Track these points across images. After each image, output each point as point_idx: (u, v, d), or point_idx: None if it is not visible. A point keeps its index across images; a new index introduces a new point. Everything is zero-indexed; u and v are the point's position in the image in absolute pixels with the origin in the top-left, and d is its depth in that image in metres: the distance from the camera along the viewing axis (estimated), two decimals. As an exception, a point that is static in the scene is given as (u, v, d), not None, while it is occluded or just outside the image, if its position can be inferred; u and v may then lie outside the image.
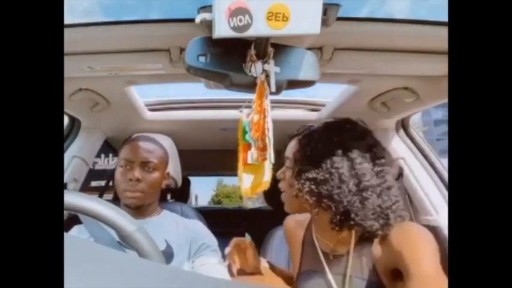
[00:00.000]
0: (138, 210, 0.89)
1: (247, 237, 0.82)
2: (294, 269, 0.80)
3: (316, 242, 0.73)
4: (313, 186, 0.63)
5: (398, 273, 0.57)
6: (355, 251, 0.64)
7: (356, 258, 0.64)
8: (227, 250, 0.78)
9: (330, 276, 0.67)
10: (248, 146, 0.59)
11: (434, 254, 0.55)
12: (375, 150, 0.64)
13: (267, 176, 0.57)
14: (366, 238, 0.63)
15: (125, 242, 0.42)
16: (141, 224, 0.45)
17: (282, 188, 0.73)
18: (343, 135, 0.65)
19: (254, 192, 0.57)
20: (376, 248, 0.62)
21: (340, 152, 0.63)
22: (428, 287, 0.52)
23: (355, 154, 0.62)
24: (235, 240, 0.80)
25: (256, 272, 0.80)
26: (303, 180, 0.64)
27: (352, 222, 0.60)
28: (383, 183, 0.63)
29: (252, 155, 0.58)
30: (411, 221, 0.63)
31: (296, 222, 0.84)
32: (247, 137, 0.59)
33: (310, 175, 0.63)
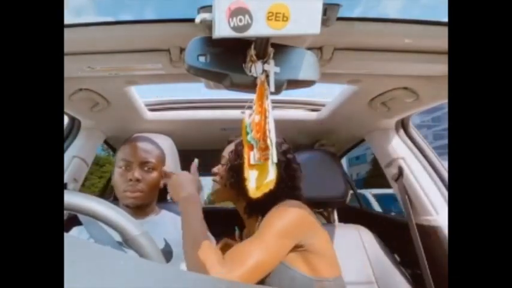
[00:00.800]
0: (137, 210, 0.89)
1: (237, 231, 0.89)
2: None
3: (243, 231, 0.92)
4: (234, 180, 0.81)
5: None
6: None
7: None
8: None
9: None
10: (252, 147, 0.59)
11: (282, 223, 0.67)
12: (290, 157, 0.83)
13: (271, 175, 0.57)
14: None
15: (127, 245, 0.42)
16: (143, 225, 0.45)
17: (216, 181, 0.90)
18: None
19: (261, 192, 0.57)
20: None
21: None
22: (257, 243, 0.64)
23: None
24: (225, 240, 0.92)
25: None
26: (230, 174, 0.82)
27: (256, 211, 0.80)
28: (290, 183, 0.81)
29: (254, 155, 0.58)
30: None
31: None
32: (249, 138, 0.59)
33: (236, 170, 0.80)
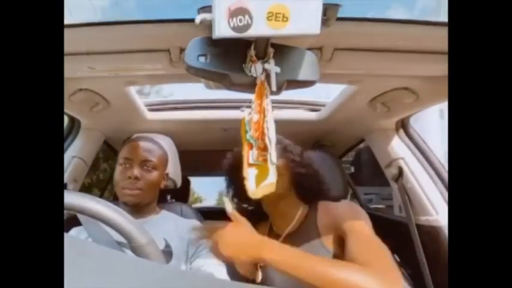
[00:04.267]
0: (136, 209, 0.89)
1: (226, 201, 0.67)
2: None
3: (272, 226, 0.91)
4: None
5: (341, 239, 0.72)
6: (302, 226, 0.82)
7: (304, 232, 0.80)
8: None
9: None
10: (252, 146, 0.59)
11: (367, 223, 0.72)
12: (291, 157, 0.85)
13: (272, 178, 0.56)
14: (306, 216, 0.82)
15: (134, 252, 0.42)
16: (143, 225, 0.45)
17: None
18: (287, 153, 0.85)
19: (261, 194, 0.57)
20: (321, 221, 0.78)
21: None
22: (363, 240, 0.65)
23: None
24: (209, 222, 0.83)
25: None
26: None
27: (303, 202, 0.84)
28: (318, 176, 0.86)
29: (253, 154, 0.57)
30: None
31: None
32: (247, 136, 0.59)
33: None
